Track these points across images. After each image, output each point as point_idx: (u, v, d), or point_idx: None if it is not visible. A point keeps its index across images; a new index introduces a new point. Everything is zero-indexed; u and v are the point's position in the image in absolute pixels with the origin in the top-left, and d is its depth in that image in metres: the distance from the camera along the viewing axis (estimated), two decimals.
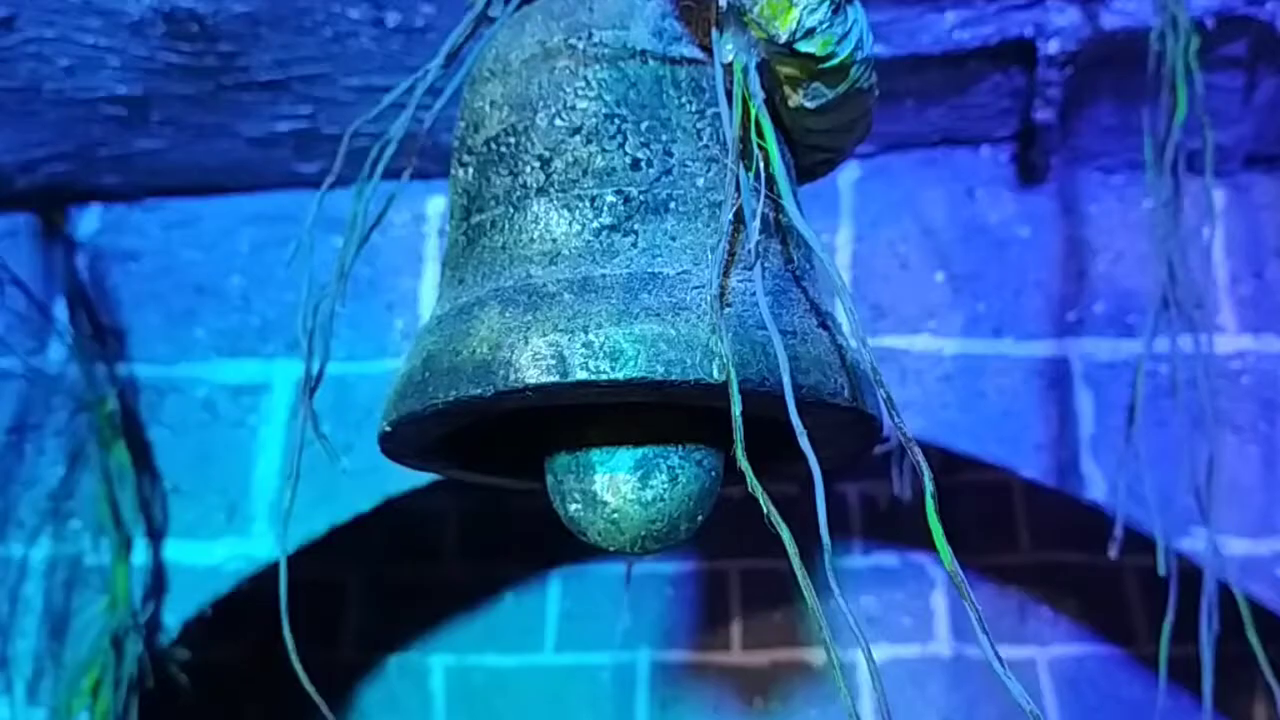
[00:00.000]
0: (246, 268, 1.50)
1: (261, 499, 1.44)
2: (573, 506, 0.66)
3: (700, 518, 0.67)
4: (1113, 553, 1.29)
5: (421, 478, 1.45)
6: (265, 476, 1.45)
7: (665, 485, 0.64)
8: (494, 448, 0.74)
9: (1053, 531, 2.06)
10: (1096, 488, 1.40)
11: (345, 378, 1.47)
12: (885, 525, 2.10)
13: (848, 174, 1.47)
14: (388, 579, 2.15)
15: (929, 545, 2.10)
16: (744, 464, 0.53)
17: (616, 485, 0.64)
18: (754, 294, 0.57)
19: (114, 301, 1.50)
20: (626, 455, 0.64)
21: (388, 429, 0.64)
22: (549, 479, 0.68)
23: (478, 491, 2.21)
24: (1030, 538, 2.07)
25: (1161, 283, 1.36)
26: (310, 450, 1.47)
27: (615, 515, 0.64)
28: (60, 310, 1.47)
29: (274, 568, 1.43)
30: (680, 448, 0.65)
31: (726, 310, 0.56)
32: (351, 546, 2.16)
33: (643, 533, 0.64)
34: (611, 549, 0.66)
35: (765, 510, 0.54)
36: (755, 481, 0.53)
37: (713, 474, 0.67)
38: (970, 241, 1.45)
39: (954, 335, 1.43)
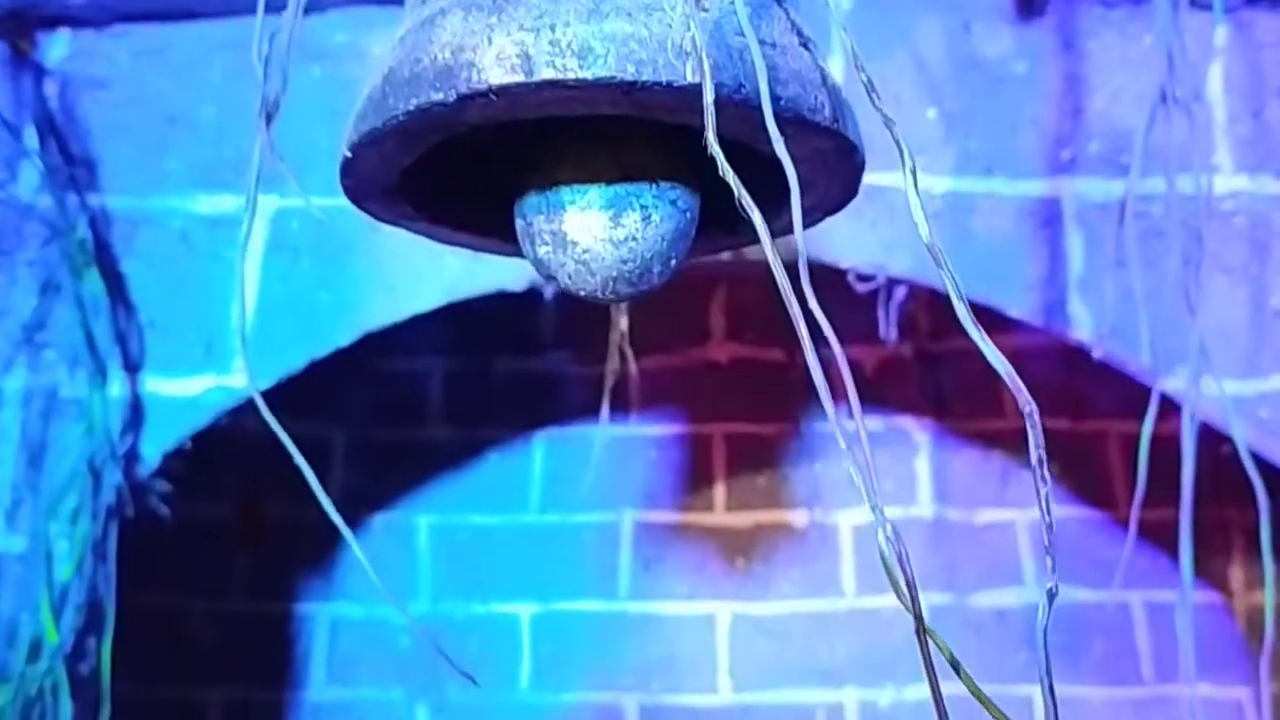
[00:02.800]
0: (219, 98, 1.46)
1: (240, 332, 1.42)
2: (542, 249, 0.64)
3: (674, 261, 0.65)
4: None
5: (401, 311, 1.43)
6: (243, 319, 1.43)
7: (638, 224, 0.62)
8: (462, 205, 0.71)
9: (1038, 399, 2.06)
10: (1084, 328, 1.38)
11: (324, 211, 1.44)
12: (871, 390, 2.10)
13: (839, 6, 1.43)
14: (372, 440, 2.15)
15: (913, 410, 2.10)
16: (715, 148, 0.50)
17: (587, 224, 0.61)
18: (732, 1, 0.54)
19: (84, 131, 1.46)
20: (598, 193, 0.62)
21: (348, 154, 0.61)
22: (518, 223, 0.66)
23: (462, 354, 2.20)
24: (1014, 403, 2.07)
25: (1157, 121, 1.33)
26: (287, 285, 1.46)
27: (585, 255, 0.62)
28: (31, 138, 1.43)
29: (253, 401, 1.42)
30: (654, 185, 0.62)
31: (703, 15, 0.53)
32: (335, 408, 2.16)
33: (614, 274, 0.62)
34: (582, 293, 0.64)
35: (736, 194, 0.52)
36: (726, 165, 0.51)
37: (687, 215, 0.64)
38: (964, 77, 1.41)
39: (945, 173, 1.40)
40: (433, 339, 2.15)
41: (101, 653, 1.31)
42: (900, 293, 1.50)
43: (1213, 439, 1.41)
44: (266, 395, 1.58)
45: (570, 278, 0.63)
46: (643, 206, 0.62)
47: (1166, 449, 1.55)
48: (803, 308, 0.56)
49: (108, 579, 1.32)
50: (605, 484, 2.10)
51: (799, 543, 2.06)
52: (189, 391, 1.41)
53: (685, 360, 2.14)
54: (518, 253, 0.69)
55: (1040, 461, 0.55)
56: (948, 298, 1.66)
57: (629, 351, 1.31)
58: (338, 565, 2.11)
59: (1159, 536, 1.99)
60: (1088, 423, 2.04)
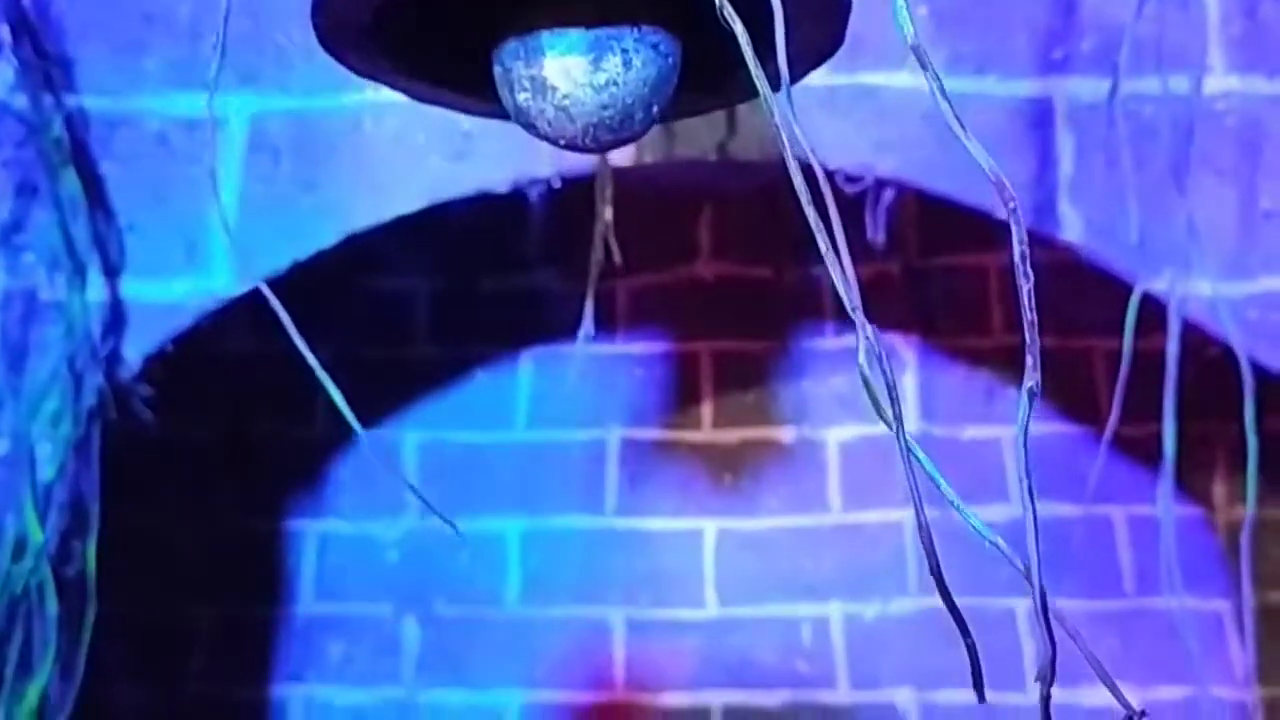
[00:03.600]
0: None
1: (220, 235, 1.41)
2: (520, 95, 0.62)
3: (656, 109, 0.63)
4: None
5: (384, 213, 1.41)
6: (224, 213, 1.41)
7: (619, 69, 0.60)
8: (440, 62, 0.69)
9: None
10: (1073, 229, 1.38)
11: (306, 113, 1.42)
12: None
13: None
14: (358, 358, 2.13)
15: (901, 327, 2.10)
16: None
17: (567, 68, 0.60)
18: None
19: (58, 30, 1.42)
20: (578, 36, 0.60)
21: None
22: (496, 71, 0.64)
23: (447, 272, 2.18)
24: (1002, 320, 2.07)
25: (1150, 19, 1.31)
26: (269, 187, 1.44)
27: (565, 101, 0.61)
28: (4, 34, 1.40)
29: (236, 306, 1.41)
30: (635, 29, 0.61)
31: None
32: (320, 327, 2.14)
33: (595, 120, 0.61)
34: (562, 142, 0.63)
35: (718, 4, 0.51)
36: None
37: (670, 60, 0.63)
38: None
39: None
40: (418, 257, 2.13)
41: (87, 555, 1.31)
42: (888, 195, 1.48)
43: (1198, 343, 1.42)
44: (250, 309, 1.57)
45: (550, 124, 0.62)
46: (624, 50, 0.60)
47: (1151, 364, 1.55)
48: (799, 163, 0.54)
49: (91, 481, 1.32)
50: (592, 402, 2.10)
51: (786, 459, 2.07)
52: (170, 295, 1.40)
53: (672, 278, 2.13)
54: (499, 112, 0.68)
55: (1023, 257, 0.55)
56: (935, 211, 1.67)
57: (614, 244, 1.30)
58: (325, 482, 2.11)
59: (1142, 451, 2.00)
60: (1074, 339, 2.04)
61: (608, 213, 1.20)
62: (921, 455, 0.55)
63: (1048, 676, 0.54)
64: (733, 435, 2.09)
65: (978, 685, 0.58)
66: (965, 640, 0.58)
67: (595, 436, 2.10)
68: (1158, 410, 1.82)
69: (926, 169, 1.38)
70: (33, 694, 1.22)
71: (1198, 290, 1.34)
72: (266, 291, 0.87)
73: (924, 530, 0.55)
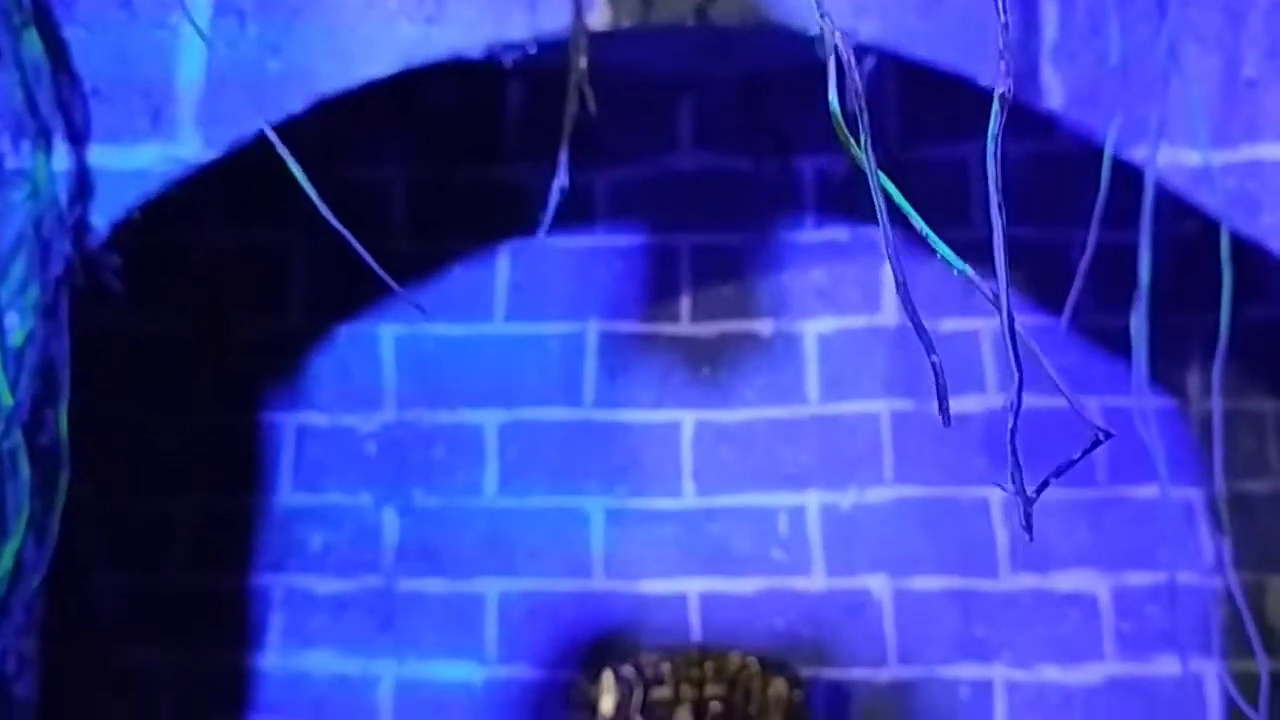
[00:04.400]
0: None
1: (187, 101, 1.38)
2: None
3: None
4: None
5: (354, 78, 1.38)
6: (189, 78, 1.38)
7: None
8: None
9: (1007, 207, 2.05)
10: (1054, 96, 1.36)
11: None
12: (838, 200, 2.08)
13: None
14: (335, 249, 2.11)
15: (879, 219, 2.07)
16: None
17: None
18: None
19: None
20: None
21: None
22: None
23: (423, 163, 2.15)
24: (981, 213, 2.06)
25: None
26: (235, 52, 1.41)
27: None
28: None
29: (203, 173, 1.38)
30: None
31: None
32: (294, 219, 2.12)
33: None
34: None
35: None
36: None
37: None
38: None
39: None
40: (393, 147, 2.10)
41: (59, 421, 1.30)
42: (869, 62, 1.46)
43: (1177, 214, 1.41)
44: (221, 181, 1.54)
45: None
46: None
47: (1127, 257, 1.55)
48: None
49: (61, 347, 1.30)
50: (570, 295, 2.09)
51: (764, 352, 2.07)
52: (136, 161, 1.38)
53: (651, 170, 2.10)
54: None
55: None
56: (917, 97, 1.65)
57: (589, 93, 1.28)
58: (302, 375, 2.10)
59: (1118, 343, 2.01)
60: (1053, 231, 2.03)
61: (582, 62, 1.18)
62: (887, 181, 0.55)
63: (1017, 404, 0.54)
64: (711, 328, 2.08)
65: (943, 407, 0.58)
66: (930, 358, 0.58)
67: (574, 329, 2.09)
68: (1128, 301, 1.83)
69: (908, 35, 1.36)
70: (7, 556, 1.22)
71: (1178, 159, 1.33)
72: (272, 136, 0.85)
73: (890, 248, 0.55)
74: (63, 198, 1.35)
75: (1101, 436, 0.55)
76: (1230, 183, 1.36)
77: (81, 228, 1.36)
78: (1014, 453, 0.56)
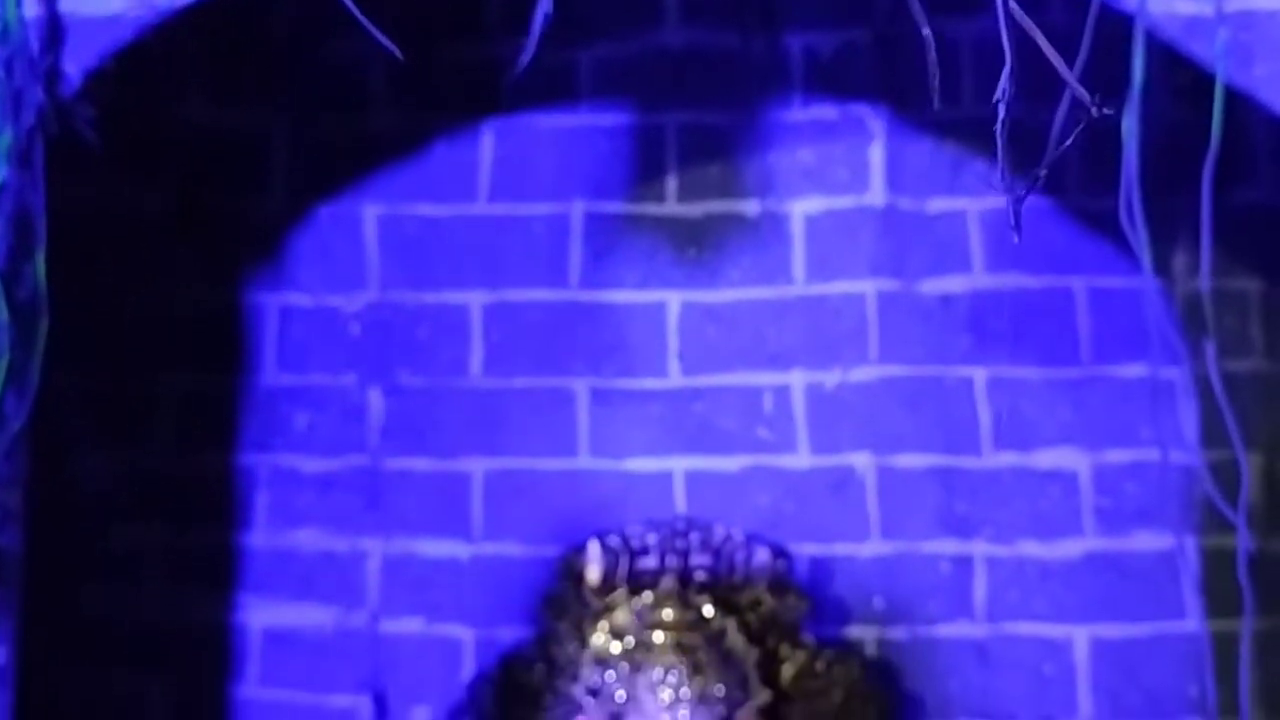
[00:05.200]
0: None
1: None
2: None
3: None
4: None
5: None
6: None
7: None
8: None
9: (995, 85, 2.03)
10: None
11: None
12: (826, 78, 2.05)
13: None
14: (314, 129, 2.08)
15: (869, 97, 2.05)
16: None
17: None
18: None
19: None
20: None
21: None
22: None
23: (403, 38, 2.10)
24: (972, 92, 2.03)
25: None
26: None
27: None
28: None
29: (179, 18, 1.35)
30: None
31: None
32: (275, 97, 2.08)
33: None
34: None
35: None
36: None
37: None
38: None
39: None
40: (372, 22, 2.05)
41: (36, 269, 1.28)
42: None
43: (1169, 65, 1.39)
44: (206, 74, 1.50)
45: None
46: None
47: (1115, 139, 1.52)
48: None
49: (36, 196, 1.28)
50: (555, 174, 2.07)
51: (750, 232, 2.06)
52: (109, 7, 1.34)
53: (637, 47, 2.07)
54: None
55: None
56: None
57: None
58: (284, 255, 2.08)
59: (1104, 223, 2.01)
60: (1043, 110, 2.01)
61: None
62: None
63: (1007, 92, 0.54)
64: (697, 208, 2.07)
65: (936, 87, 0.57)
66: (924, 32, 0.57)
67: (558, 209, 2.07)
68: (1115, 180, 1.81)
69: None
70: None
71: (1172, 7, 1.31)
72: None
73: None
74: (34, 44, 1.31)
75: (1095, 111, 0.54)
76: (1224, 32, 1.34)
77: (54, 75, 1.33)
78: (1002, 147, 0.55)
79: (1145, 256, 1.86)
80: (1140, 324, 1.97)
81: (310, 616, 2.01)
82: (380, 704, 1.97)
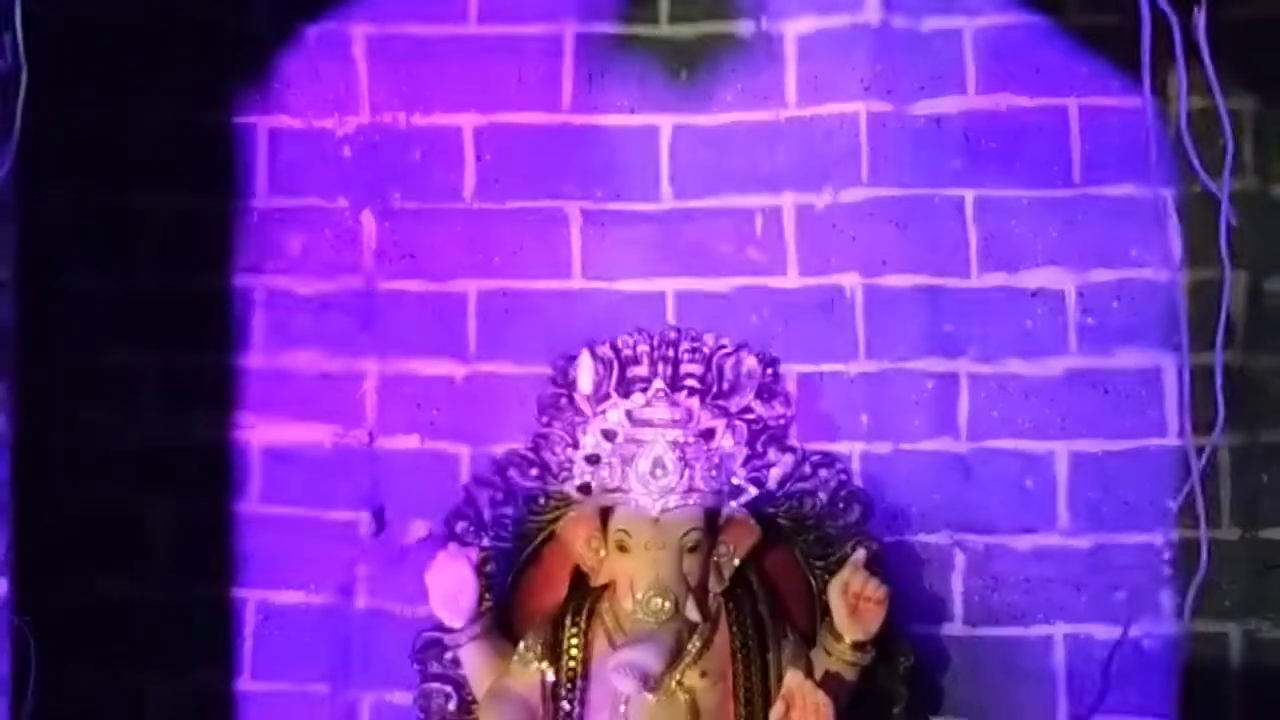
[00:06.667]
0: None
1: None
2: None
3: None
4: None
5: None
6: None
7: None
8: None
9: None
10: None
11: None
12: None
13: None
14: None
15: None
16: None
17: None
18: None
19: None
20: None
21: None
22: None
23: None
24: None
25: None
26: None
27: None
28: None
29: None
30: None
31: None
32: None
33: None
34: None
35: None
36: None
37: None
38: None
39: None
40: None
41: (17, 48, 1.27)
42: None
43: None
44: None
45: None
46: None
47: None
48: None
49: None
50: None
51: (743, 54, 2.04)
52: None
53: None
54: None
55: None
56: None
57: None
58: (271, 77, 2.06)
59: (1101, 42, 2.00)
60: None
61: None
62: None
63: None
64: (690, 30, 2.04)
65: None
66: None
67: (550, 30, 2.05)
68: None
69: None
70: None
71: None
72: None
73: None
74: None
75: None
76: None
77: None
78: None
79: (1145, 77, 1.87)
80: (1133, 144, 1.99)
81: (309, 435, 2.05)
82: (379, 518, 2.02)
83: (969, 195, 2.00)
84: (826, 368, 2.00)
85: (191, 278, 2.06)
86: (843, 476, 1.78)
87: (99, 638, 2.01)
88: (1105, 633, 1.96)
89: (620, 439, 1.63)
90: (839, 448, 1.95)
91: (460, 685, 1.74)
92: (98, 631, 2.00)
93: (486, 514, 1.76)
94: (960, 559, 1.97)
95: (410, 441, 2.03)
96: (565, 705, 1.56)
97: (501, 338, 2.03)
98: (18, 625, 1.31)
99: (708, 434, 1.66)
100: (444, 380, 2.04)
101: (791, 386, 1.96)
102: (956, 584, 1.98)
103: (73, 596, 1.96)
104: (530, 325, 2.02)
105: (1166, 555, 1.95)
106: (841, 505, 1.76)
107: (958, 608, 1.98)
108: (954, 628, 1.98)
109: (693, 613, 1.53)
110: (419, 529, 1.97)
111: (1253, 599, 1.95)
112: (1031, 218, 1.99)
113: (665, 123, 2.04)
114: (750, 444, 1.72)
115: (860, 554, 1.68)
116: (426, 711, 1.76)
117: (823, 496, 1.75)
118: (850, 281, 2.00)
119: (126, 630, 2.02)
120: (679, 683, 1.53)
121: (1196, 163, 1.90)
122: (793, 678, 1.47)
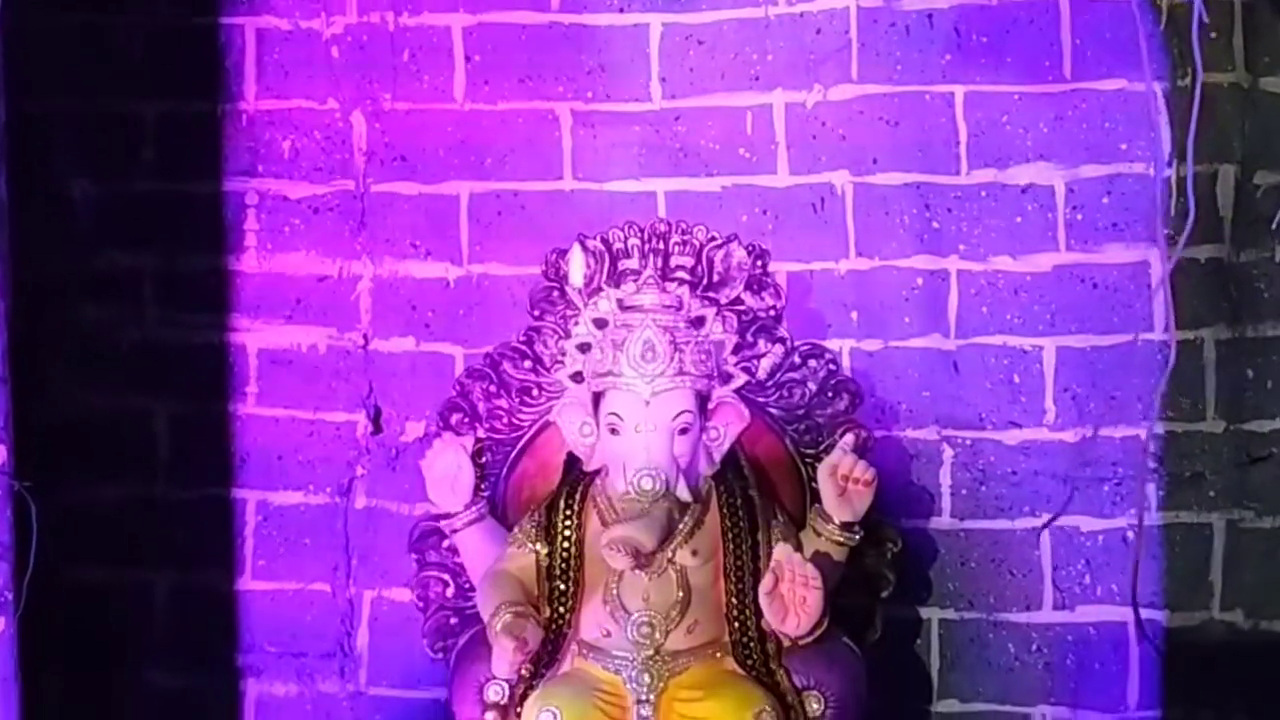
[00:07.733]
0: None
1: None
2: None
3: None
4: None
5: None
6: None
7: None
8: None
9: None
10: None
11: None
12: None
13: None
14: None
15: None
16: None
17: None
18: None
19: None
20: None
21: None
22: None
23: None
24: None
25: None
26: None
27: None
28: None
29: None
30: None
31: None
32: None
33: None
34: None
35: None
36: None
37: None
38: None
39: None
40: None
41: None
42: None
43: None
44: None
45: None
46: None
47: None
48: None
49: None
50: None
51: None
52: None
53: None
54: None
55: None
56: None
57: None
58: None
59: None
60: None
61: None
62: None
63: None
64: None
65: None
66: None
67: None
68: None
69: None
70: None
71: None
72: None
73: None
74: None
75: None
76: None
77: None
78: None
79: None
80: (1123, 39, 1.98)
81: (305, 338, 2.07)
82: (375, 419, 2.04)
83: (959, 91, 2.00)
84: (817, 266, 2.02)
85: (185, 182, 2.06)
86: (831, 366, 1.79)
87: (100, 536, 2.04)
88: (1091, 525, 1.99)
89: (611, 325, 1.65)
90: (829, 344, 1.96)
91: (457, 573, 1.77)
92: (99, 530, 2.04)
93: (480, 406, 1.78)
94: (948, 453, 2.00)
95: (405, 343, 2.05)
96: (560, 585, 1.59)
97: (494, 239, 2.04)
98: (18, 491, 1.33)
99: (698, 321, 1.68)
100: (438, 282, 2.05)
101: (782, 284, 1.97)
102: (945, 478, 2.01)
103: (71, 495, 1.98)
104: (522, 227, 2.03)
105: (1152, 448, 1.97)
106: (830, 394, 1.77)
107: (946, 501, 2.01)
108: (942, 521, 2.01)
109: (684, 492, 1.56)
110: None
111: (1237, 490, 1.97)
112: (1021, 113, 1.99)
113: (655, 21, 2.04)
114: (740, 334, 1.74)
115: (849, 438, 1.70)
116: (425, 600, 1.79)
117: (812, 386, 1.77)
118: (840, 179, 2.01)
119: (128, 529, 2.05)
120: (670, 560, 1.56)
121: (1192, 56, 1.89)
122: (781, 551, 1.50)
